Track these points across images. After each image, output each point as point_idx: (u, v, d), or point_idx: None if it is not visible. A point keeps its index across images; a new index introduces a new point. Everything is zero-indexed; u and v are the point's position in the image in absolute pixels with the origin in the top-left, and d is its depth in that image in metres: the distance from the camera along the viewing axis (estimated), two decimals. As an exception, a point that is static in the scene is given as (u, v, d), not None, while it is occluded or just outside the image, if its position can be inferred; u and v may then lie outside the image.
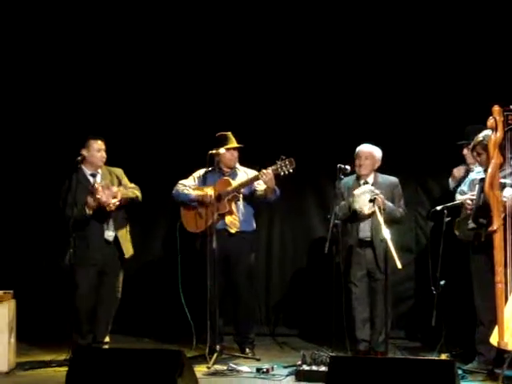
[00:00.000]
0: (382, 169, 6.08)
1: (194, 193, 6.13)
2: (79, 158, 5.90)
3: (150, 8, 7.21)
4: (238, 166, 6.26)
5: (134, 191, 6.05)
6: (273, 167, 5.78)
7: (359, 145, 6.04)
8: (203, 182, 6.20)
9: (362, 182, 5.95)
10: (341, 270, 5.75)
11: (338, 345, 5.70)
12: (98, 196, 5.75)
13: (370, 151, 5.99)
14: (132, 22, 7.25)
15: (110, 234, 5.94)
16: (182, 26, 7.25)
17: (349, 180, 6.00)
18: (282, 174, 5.77)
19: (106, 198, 5.78)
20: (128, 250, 6.02)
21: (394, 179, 6.05)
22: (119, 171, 6.15)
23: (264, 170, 5.82)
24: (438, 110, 6.87)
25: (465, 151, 6.08)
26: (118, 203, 5.83)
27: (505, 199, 4.64)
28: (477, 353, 5.30)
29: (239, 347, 6.19)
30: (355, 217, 5.84)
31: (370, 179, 5.97)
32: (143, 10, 7.22)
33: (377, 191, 5.72)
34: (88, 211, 5.79)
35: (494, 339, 4.44)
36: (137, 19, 7.25)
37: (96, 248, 5.86)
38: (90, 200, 5.78)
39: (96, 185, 5.85)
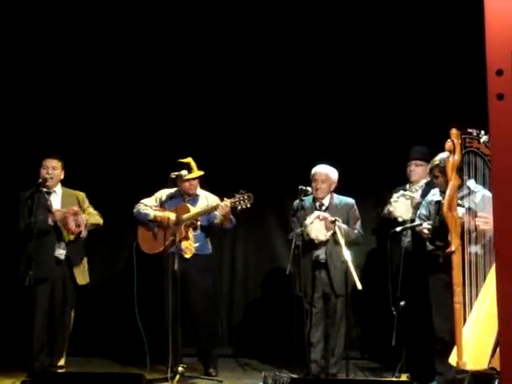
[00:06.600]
0: (342, 189, 6.11)
1: (153, 213, 6.13)
2: (40, 180, 5.86)
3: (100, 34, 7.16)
4: (199, 190, 6.27)
5: (96, 218, 6.06)
6: (231, 200, 5.81)
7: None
8: (164, 203, 6.20)
9: (317, 204, 5.96)
10: (301, 292, 5.76)
11: (300, 366, 5.71)
12: (68, 220, 5.78)
13: (326, 173, 5.98)
14: (85, 42, 7.17)
15: (60, 252, 5.91)
16: (136, 49, 7.21)
17: (305, 201, 5.91)
18: (239, 208, 5.80)
19: (71, 223, 5.81)
20: (82, 279, 6.00)
21: (350, 200, 6.03)
22: (81, 195, 6.13)
23: (222, 204, 5.86)
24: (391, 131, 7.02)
25: (412, 168, 6.16)
26: (78, 231, 5.85)
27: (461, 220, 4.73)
28: (436, 373, 5.36)
29: (203, 366, 6.21)
30: (311, 241, 5.80)
31: (326, 201, 5.98)
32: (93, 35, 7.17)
33: (325, 214, 5.75)
34: (50, 222, 5.79)
35: (452, 359, 4.47)
36: (87, 41, 7.17)
37: (46, 265, 5.79)
38: (57, 213, 5.79)
39: (69, 209, 5.86)
